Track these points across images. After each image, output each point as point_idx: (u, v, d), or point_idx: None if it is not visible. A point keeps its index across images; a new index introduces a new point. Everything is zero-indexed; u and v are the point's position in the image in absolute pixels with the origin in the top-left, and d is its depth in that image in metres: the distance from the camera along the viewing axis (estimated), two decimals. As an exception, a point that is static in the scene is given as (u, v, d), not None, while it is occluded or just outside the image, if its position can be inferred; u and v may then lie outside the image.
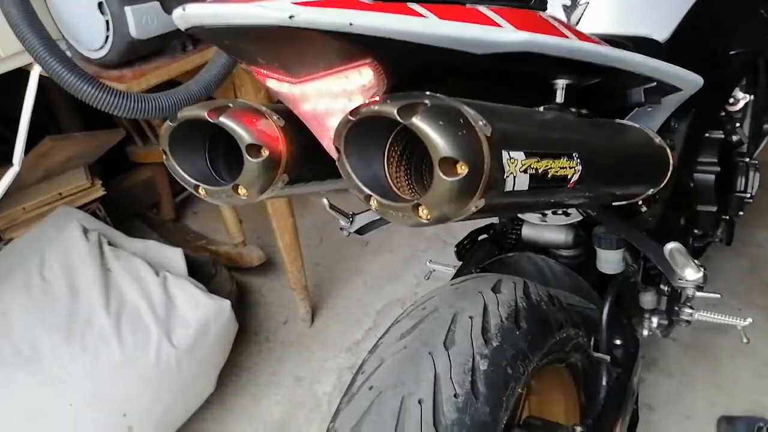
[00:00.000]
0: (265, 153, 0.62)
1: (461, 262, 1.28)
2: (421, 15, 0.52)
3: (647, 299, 1.09)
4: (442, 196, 0.47)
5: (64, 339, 1.33)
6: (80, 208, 1.83)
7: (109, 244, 1.54)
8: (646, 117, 0.87)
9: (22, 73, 1.30)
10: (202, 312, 1.43)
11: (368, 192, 0.53)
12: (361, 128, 0.52)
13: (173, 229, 2.30)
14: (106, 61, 1.20)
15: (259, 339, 1.89)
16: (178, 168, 0.67)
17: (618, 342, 1.07)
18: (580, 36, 0.68)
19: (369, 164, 0.54)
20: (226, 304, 1.48)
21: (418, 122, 0.46)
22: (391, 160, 0.55)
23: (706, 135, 1.20)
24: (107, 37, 1.18)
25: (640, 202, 0.93)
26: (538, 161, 0.52)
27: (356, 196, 0.55)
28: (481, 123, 0.48)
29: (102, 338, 1.35)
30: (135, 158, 2.27)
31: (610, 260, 0.95)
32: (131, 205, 2.30)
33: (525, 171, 0.51)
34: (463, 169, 0.46)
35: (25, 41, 0.97)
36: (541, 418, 0.95)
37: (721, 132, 1.21)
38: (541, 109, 0.69)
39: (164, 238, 2.27)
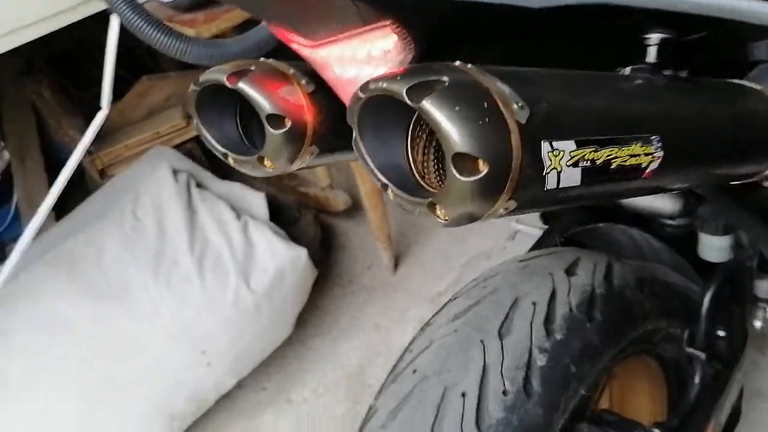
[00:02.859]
0: (288, 124, 0.56)
1: (546, 227, 1.16)
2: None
3: (764, 287, 0.92)
4: (457, 196, 0.38)
5: (152, 277, 1.40)
6: (177, 147, 1.89)
7: (198, 185, 1.58)
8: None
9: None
10: (279, 259, 1.44)
11: (384, 180, 0.45)
12: (377, 105, 0.43)
13: (269, 167, 2.32)
14: (179, 4, 1.18)
15: (342, 282, 1.89)
16: (207, 134, 0.62)
17: (721, 334, 0.92)
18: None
19: (389, 147, 0.46)
20: (303, 252, 1.48)
21: (429, 107, 0.37)
22: (417, 141, 0.46)
23: None
24: (178, -21, 1.16)
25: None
26: (595, 151, 0.41)
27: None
28: (515, 106, 0.37)
29: (186, 278, 1.40)
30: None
31: (714, 247, 0.79)
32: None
33: (575, 164, 0.40)
34: (483, 167, 0.36)
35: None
36: (617, 414, 0.85)
37: None
38: (628, 71, 0.55)
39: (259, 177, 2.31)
